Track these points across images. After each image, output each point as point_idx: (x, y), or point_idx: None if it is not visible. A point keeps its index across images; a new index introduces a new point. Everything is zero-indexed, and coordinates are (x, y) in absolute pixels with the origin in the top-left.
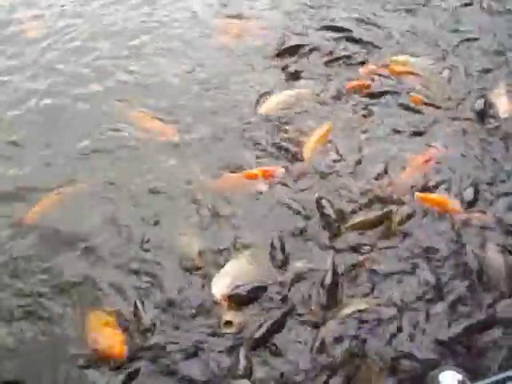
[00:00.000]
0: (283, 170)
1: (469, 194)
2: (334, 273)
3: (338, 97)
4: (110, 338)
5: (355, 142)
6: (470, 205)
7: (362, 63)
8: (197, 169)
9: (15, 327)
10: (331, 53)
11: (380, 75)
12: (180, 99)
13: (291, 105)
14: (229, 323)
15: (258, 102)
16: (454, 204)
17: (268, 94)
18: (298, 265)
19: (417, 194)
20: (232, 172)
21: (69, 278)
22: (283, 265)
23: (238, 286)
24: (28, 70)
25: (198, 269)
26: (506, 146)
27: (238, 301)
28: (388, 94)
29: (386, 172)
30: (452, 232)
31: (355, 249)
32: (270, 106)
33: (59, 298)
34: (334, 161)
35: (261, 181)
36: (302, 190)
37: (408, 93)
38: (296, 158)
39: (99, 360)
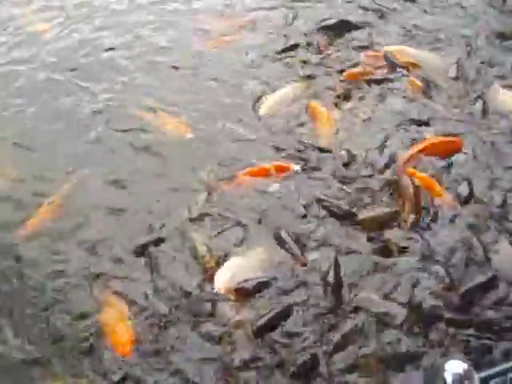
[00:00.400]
0: (299, 167)
1: (463, 188)
2: (337, 272)
3: (335, 87)
4: (118, 335)
5: (358, 131)
6: (465, 200)
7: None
8: (209, 166)
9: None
10: (329, 45)
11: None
12: (183, 98)
13: (290, 100)
14: (238, 322)
15: (255, 104)
16: (447, 196)
17: (265, 94)
18: (311, 258)
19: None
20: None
21: (78, 274)
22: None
23: (246, 280)
24: (33, 64)
25: (208, 269)
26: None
27: (244, 294)
28: (388, 81)
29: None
30: (461, 225)
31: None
32: (269, 105)
33: (73, 291)
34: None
35: (273, 176)
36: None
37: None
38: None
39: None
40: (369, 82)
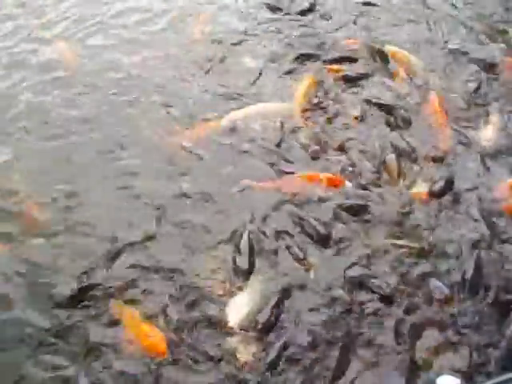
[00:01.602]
0: (351, 184)
1: (438, 186)
2: None
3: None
4: (151, 336)
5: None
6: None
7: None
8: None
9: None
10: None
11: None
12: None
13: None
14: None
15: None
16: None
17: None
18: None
19: None
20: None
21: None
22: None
23: (259, 313)
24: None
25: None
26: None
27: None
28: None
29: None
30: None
31: None
32: (231, 116)
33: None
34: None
35: (322, 187)
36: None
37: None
38: None
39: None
40: (354, 77)
